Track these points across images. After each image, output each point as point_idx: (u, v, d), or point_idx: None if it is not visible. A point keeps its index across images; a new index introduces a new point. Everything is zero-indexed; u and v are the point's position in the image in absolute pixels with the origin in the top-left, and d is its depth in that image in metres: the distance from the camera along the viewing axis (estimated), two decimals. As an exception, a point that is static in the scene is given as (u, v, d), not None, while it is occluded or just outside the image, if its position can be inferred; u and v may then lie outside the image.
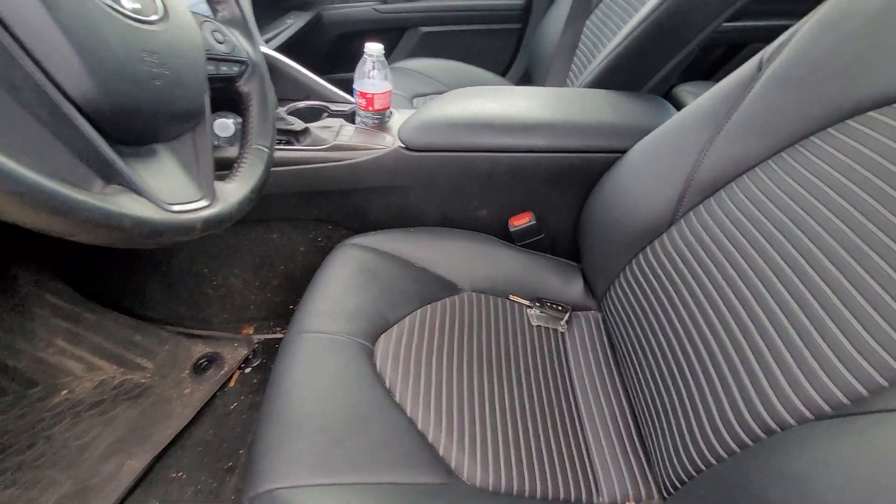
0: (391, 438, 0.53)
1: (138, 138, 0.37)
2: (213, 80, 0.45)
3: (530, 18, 1.45)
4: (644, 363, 0.58)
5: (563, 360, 0.70)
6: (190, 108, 0.40)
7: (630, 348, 0.63)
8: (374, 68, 0.80)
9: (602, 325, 0.75)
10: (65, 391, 0.85)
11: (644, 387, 0.58)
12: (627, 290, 0.66)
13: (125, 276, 0.91)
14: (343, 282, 0.69)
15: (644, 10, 0.83)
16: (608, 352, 0.71)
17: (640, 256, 0.65)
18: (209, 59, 0.44)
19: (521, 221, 0.83)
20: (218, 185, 0.43)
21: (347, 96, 0.92)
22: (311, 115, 0.86)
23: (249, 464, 0.50)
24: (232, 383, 0.89)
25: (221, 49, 0.47)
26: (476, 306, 0.73)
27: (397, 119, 0.84)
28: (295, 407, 0.53)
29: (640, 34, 0.84)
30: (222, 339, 0.95)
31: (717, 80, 0.64)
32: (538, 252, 0.84)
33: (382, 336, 0.64)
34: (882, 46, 0.44)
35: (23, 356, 0.86)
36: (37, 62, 0.29)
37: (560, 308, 0.76)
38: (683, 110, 0.68)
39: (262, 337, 0.96)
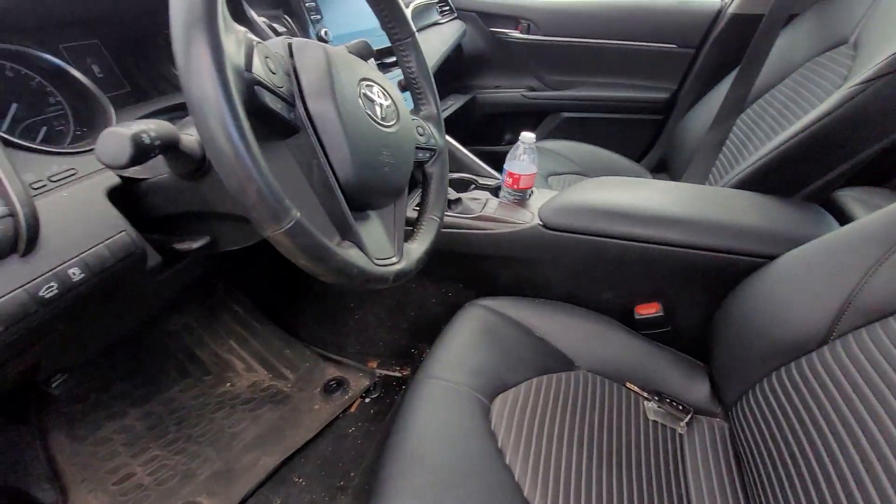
0: (498, 495, 0.56)
1: (363, 207, 0.49)
2: (414, 163, 0.58)
3: (674, 111, 1.49)
4: (777, 486, 0.54)
5: (680, 464, 0.67)
6: (399, 186, 0.53)
7: (762, 467, 0.58)
8: (524, 153, 0.90)
9: (728, 436, 0.71)
10: (228, 384, 1.04)
11: None
12: (764, 404, 0.62)
13: (291, 299, 1.10)
14: (468, 338, 0.76)
15: (811, 116, 0.82)
16: (733, 466, 0.66)
17: (784, 371, 0.62)
18: (416, 148, 0.57)
19: (647, 311, 0.83)
20: (405, 246, 0.54)
21: (493, 172, 1.04)
22: (462, 185, 0.98)
23: (372, 486, 0.57)
24: (353, 409, 1.00)
25: (421, 140, 0.60)
26: (591, 387, 0.74)
27: (537, 198, 0.92)
28: (417, 445, 0.60)
29: (803, 140, 0.83)
30: (350, 366, 1.08)
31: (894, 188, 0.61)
32: (662, 344, 0.83)
33: (500, 396, 0.69)
34: None
35: (206, 349, 1.07)
36: (326, 155, 0.42)
37: (681, 408, 0.74)
38: (850, 225, 0.65)
39: (384, 372, 1.07)
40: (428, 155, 0.63)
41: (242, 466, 0.88)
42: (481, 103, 1.65)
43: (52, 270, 0.41)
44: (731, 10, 1.29)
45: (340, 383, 1.04)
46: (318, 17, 0.82)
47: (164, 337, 1.04)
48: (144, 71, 0.63)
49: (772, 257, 0.72)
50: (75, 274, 0.42)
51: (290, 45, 0.43)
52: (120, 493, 0.82)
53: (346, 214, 0.44)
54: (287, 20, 0.77)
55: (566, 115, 1.59)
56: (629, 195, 0.85)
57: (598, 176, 1.34)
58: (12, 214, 0.38)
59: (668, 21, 1.40)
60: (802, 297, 0.63)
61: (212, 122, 0.31)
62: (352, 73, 0.46)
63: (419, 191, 0.76)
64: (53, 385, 0.77)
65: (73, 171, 0.46)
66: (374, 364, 1.08)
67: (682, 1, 1.40)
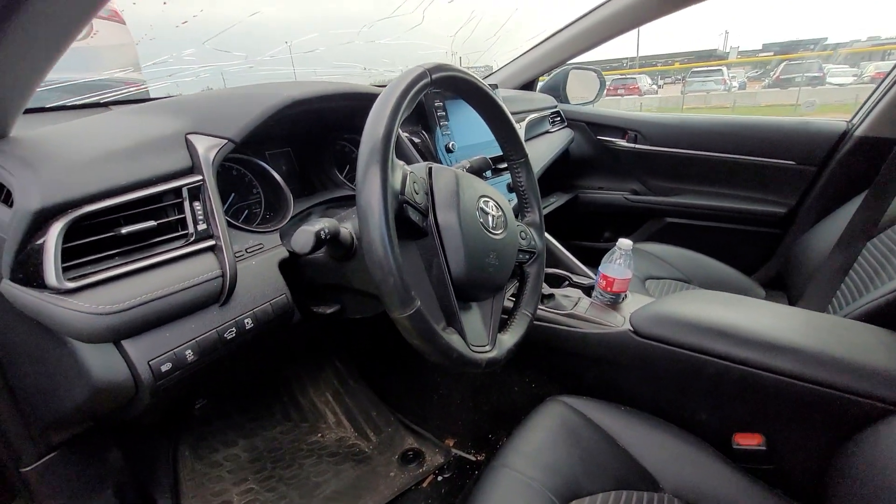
0: None
1: (467, 299, 0.58)
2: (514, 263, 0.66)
3: (793, 225, 1.41)
4: None
5: None
6: (500, 283, 0.61)
7: None
8: (620, 258, 0.94)
9: None
10: (319, 434, 1.14)
11: None
12: None
13: (385, 365, 1.20)
14: (548, 433, 0.76)
15: None
16: None
17: None
18: (518, 250, 0.66)
19: (748, 441, 0.77)
20: (498, 336, 0.61)
21: (588, 271, 1.08)
22: (556, 280, 1.04)
23: None
24: (425, 484, 1.02)
25: (524, 244, 0.69)
26: (677, 514, 0.69)
27: (630, 302, 0.93)
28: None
29: None
30: (429, 440, 1.12)
31: None
32: (765, 484, 0.75)
33: (574, 501, 0.68)
34: None
35: (307, 397, 1.20)
36: (445, 255, 0.53)
37: (786, 563, 0.65)
38: None
39: (459, 453, 1.08)
40: (527, 256, 0.71)
41: (319, 517, 0.94)
42: (584, 202, 1.73)
43: (234, 319, 0.55)
44: (858, 132, 1.25)
45: (417, 455, 1.08)
46: (448, 132, 1.00)
47: (277, 381, 1.20)
48: (315, 172, 0.83)
49: (901, 405, 0.65)
50: (248, 323, 0.56)
51: (430, 169, 0.56)
52: (217, 517, 0.92)
53: (454, 305, 0.53)
54: (423, 134, 0.95)
55: (669, 220, 1.59)
56: (733, 313, 0.83)
57: (701, 284, 1.31)
58: (223, 276, 0.53)
59: (787, 139, 1.38)
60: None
61: (372, 228, 0.42)
62: (473, 191, 0.58)
63: (516, 282, 0.84)
64: (196, 407, 0.93)
65: (260, 245, 0.63)
66: (451, 442, 1.11)
67: (803, 121, 1.39)
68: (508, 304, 0.74)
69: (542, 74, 1.68)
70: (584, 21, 1.47)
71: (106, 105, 0.75)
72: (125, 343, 0.47)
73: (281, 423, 1.15)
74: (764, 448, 0.76)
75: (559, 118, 1.65)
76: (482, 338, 0.58)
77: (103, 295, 0.45)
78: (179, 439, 0.99)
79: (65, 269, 0.43)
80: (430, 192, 0.54)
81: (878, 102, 1.22)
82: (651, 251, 1.45)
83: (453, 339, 0.51)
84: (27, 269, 0.44)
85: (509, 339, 0.63)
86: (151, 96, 0.99)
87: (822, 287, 1.03)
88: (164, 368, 0.48)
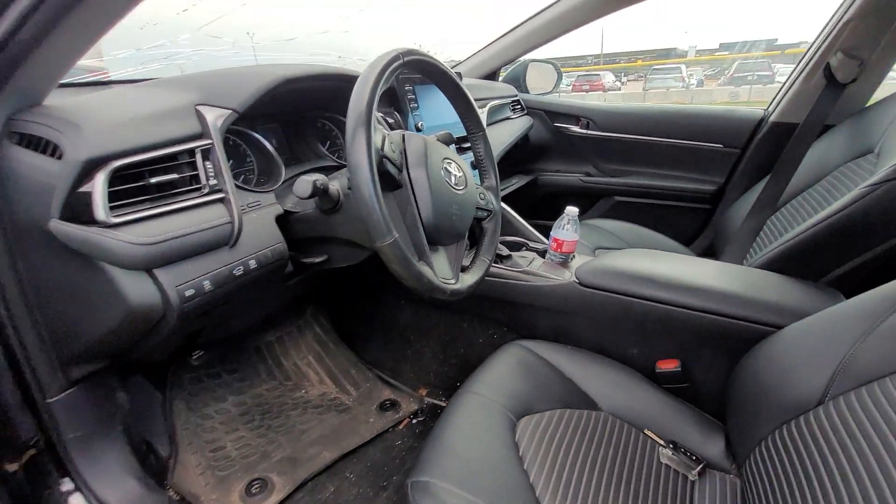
0: (513, 490, 0.68)
1: (435, 243, 0.71)
2: (474, 218, 0.80)
3: (721, 201, 1.61)
4: None
5: None
6: (462, 231, 0.75)
7: None
8: (568, 223, 1.09)
9: (739, 493, 0.77)
10: (303, 391, 1.25)
11: None
12: (769, 460, 0.68)
13: (362, 328, 1.32)
14: (506, 368, 0.91)
15: (828, 210, 0.94)
16: None
17: (785, 428, 0.70)
18: (476, 208, 0.79)
19: (667, 366, 0.94)
20: (461, 275, 0.74)
21: (543, 238, 1.23)
22: (515, 246, 1.18)
23: (412, 465, 0.72)
24: (401, 426, 1.15)
25: (482, 203, 0.82)
26: (611, 427, 0.84)
27: (577, 262, 1.09)
28: (452, 439, 0.75)
29: (819, 230, 0.94)
30: (404, 391, 1.25)
31: None
32: (682, 400, 0.92)
33: (526, 417, 0.82)
34: None
35: (291, 359, 1.31)
36: (416, 204, 0.65)
37: (695, 458, 0.81)
38: (847, 301, 0.75)
39: (431, 401, 1.22)
40: (485, 214, 0.84)
41: (307, 456, 1.05)
42: (543, 183, 1.89)
43: (241, 259, 0.66)
44: (772, 118, 1.45)
45: (394, 404, 1.21)
46: (418, 113, 1.12)
47: (262, 345, 1.29)
48: (298, 144, 0.94)
49: (780, 327, 0.82)
50: (252, 264, 0.67)
51: (403, 136, 0.69)
52: (213, 460, 1.02)
53: (424, 244, 0.66)
54: (396, 115, 1.07)
55: (619, 198, 1.77)
56: (657, 264, 0.99)
57: (643, 253, 1.48)
58: (232, 222, 0.64)
59: (716, 125, 1.58)
60: (803, 362, 0.73)
61: (360, 175, 0.55)
62: (439, 154, 0.71)
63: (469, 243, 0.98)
64: (194, 358, 1.03)
65: (258, 202, 0.74)
66: (423, 392, 1.24)
67: (729, 109, 1.59)
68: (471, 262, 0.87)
69: (504, 66, 1.81)
70: (542, 16, 1.62)
71: (108, 83, 0.84)
72: (157, 271, 0.57)
73: (267, 381, 1.25)
74: (680, 370, 0.92)
75: (519, 106, 1.79)
76: (448, 273, 0.71)
77: (140, 230, 0.55)
78: (174, 395, 1.08)
79: (109, 208, 0.53)
80: (404, 153, 0.66)
81: (787, 92, 1.42)
82: (602, 226, 1.62)
83: (424, 269, 0.64)
84: (76, 210, 0.54)
85: (470, 277, 0.76)
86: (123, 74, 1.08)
87: (737, 248, 1.22)
88: (187, 294, 0.59)
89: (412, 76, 1.16)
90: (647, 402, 0.90)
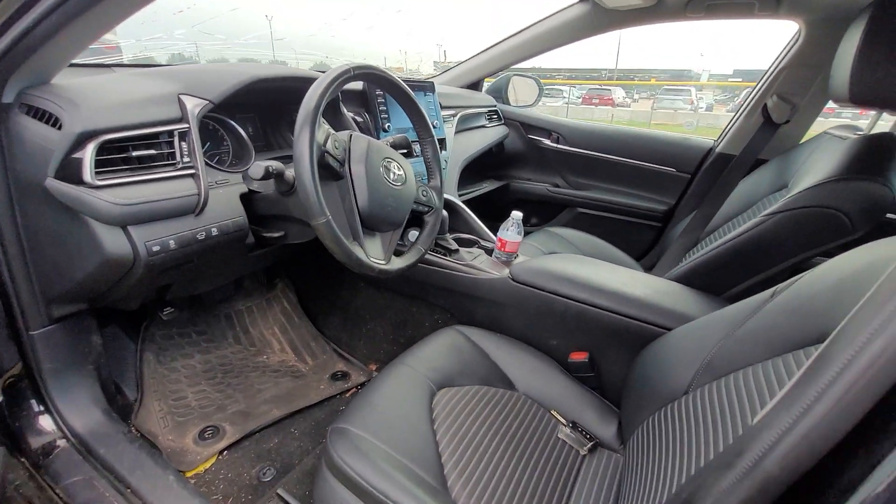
0: (421, 446, 0.80)
1: (372, 228, 0.83)
2: (413, 211, 0.92)
3: (671, 220, 1.75)
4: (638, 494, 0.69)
5: (573, 476, 0.85)
6: (397, 222, 0.87)
7: (632, 495, 0.73)
8: (513, 226, 1.22)
9: (619, 469, 0.90)
10: (265, 356, 1.38)
11: None
12: (643, 439, 0.80)
13: (326, 305, 1.45)
14: (437, 347, 1.03)
15: (736, 231, 1.07)
16: (612, 494, 0.83)
17: (658, 413, 0.83)
18: (415, 202, 0.92)
19: (578, 357, 1.07)
20: (393, 258, 0.87)
21: (493, 237, 1.36)
22: (468, 242, 1.31)
23: (341, 413, 0.84)
24: (348, 395, 1.28)
25: (423, 199, 0.95)
26: (522, 405, 0.97)
27: (519, 261, 1.22)
28: (377, 395, 0.87)
29: (725, 249, 1.07)
30: (355, 365, 1.37)
31: None
32: (588, 388, 1.05)
33: (445, 388, 0.95)
34: (835, 301, 0.59)
35: (257, 328, 1.43)
36: (354, 193, 0.78)
37: (588, 437, 0.94)
38: (720, 310, 0.88)
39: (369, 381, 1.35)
40: (426, 209, 0.97)
41: (258, 412, 1.18)
42: (513, 190, 2.02)
43: (204, 226, 0.79)
44: (718, 149, 1.59)
45: (345, 375, 1.33)
46: (386, 115, 1.25)
47: (233, 312, 1.42)
48: (273, 134, 1.06)
49: (668, 329, 0.95)
50: (214, 231, 0.80)
51: (350, 135, 0.81)
52: (175, 407, 1.15)
53: (358, 227, 0.79)
54: (365, 115, 1.20)
55: (580, 210, 1.90)
56: (580, 268, 1.12)
57: (593, 261, 1.61)
58: (199, 194, 0.77)
59: (671, 150, 1.71)
60: (679, 359, 0.85)
61: (301, 164, 0.67)
62: (380, 154, 0.83)
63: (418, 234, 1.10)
64: (165, 313, 1.15)
65: (227, 180, 0.86)
66: (373, 367, 1.37)
67: (683, 137, 1.72)
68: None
69: (486, 77, 1.94)
70: (525, 33, 1.75)
71: (109, 66, 0.96)
72: (130, 228, 0.70)
73: (233, 345, 1.37)
74: (588, 362, 1.05)
75: (497, 116, 1.92)
76: (380, 255, 0.84)
77: (119, 193, 0.68)
78: (145, 346, 1.21)
79: (95, 173, 0.66)
80: (348, 150, 0.79)
81: (732, 126, 1.55)
82: (561, 234, 1.74)
83: (356, 249, 0.76)
84: (68, 172, 0.66)
85: (402, 261, 0.89)
86: (124, 58, 1.21)
87: (667, 262, 1.35)
88: (154, 249, 0.72)
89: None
90: (558, 386, 1.02)
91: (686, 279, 1.14)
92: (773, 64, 1.41)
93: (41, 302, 0.83)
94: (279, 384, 1.28)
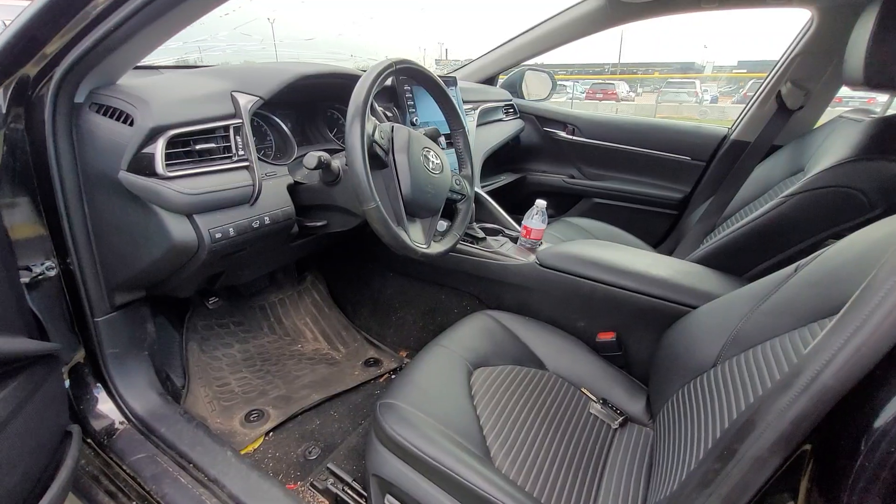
0: (462, 417, 0.85)
1: (413, 215, 0.88)
2: (448, 199, 0.97)
3: (688, 207, 1.78)
4: (672, 480, 0.71)
5: (606, 450, 0.90)
6: (435, 208, 0.92)
7: (664, 464, 0.76)
8: (537, 214, 1.26)
9: (650, 442, 0.94)
10: (299, 345, 1.43)
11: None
12: (672, 412, 0.85)
13: (355, 295, 1.50)
14: (470, 330, 1.08)
15: (755, 213, 1.11)
16: (644, 465, 0.87)
17: (687, 387, 0.87)
18: (450, 191, 0.97)
19: (605, 337, 1.11)
20: (432, 243, 0.92)
21: (517, 226, 1.41)
22: (493, 231, 1.36)
23: (386, 390, 0.89)
24: (381, 380, 1.33)
25: (455, 187, 1.00)
26: (553, 384, 1.01)
27: (543, 248, 1.26)
28: (417, 375, 0.92)
29: (745, 231, 1.11)
30: (386, 352, 1.43)
31: None
32: (616, 366, 1.09)
33: (481, 367, 1.00)
34: (859, 271, 0.61)
35: (290, 319, 1.49)
36: (398, 180, 0.83)
37: (618, 412, 0.99)
38: (743, 287, 0.92)
39: (409, 361, 1.40)
40: (458, 196, 1.02)
41: (299, 396, 1.23)
42: (530, 182, 2.07)
43: (258, 215, 0.84)
44: (732, 136, 1.62)
45: (377, 361, 1.39)
46: (413, 110, 1.30)
47: (267, 304, 1.48)
48: (310, 128, 1.12)
49: (694, 307, 0.99)
50: (266, 220, 0.85)
51: (392, 127, 0.86)
52: (220, 393, 1.21)
53: (402, 213, 0.84)
54: (395, 110, 1.25)
55: (597, 200, 1.94)
56: (605, 252, 1.17)
57: (611, 249, 1.65)
58: (253, 185, 0.82)
59: (685, 139, 1.75)
60: (705, 335, 0.90)
61: (354, 154, 0.72)
62: (420, 144, 0.88)
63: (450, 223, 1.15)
64: (210, 302, 1.21)
65: (274, 173, 0.92)
66: (404, 353, 1.42)
67: (697, 125, 1.76)
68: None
69: (502, 72, 1.99)
70: (539, 28, 1.79)
71: (157, 68, 1.02)
72: (195, 216, 0.75)
73: (268, 335, 1.43)
74: (615, 341, 1.10)
75: (512, 110, 1.97)
76: (421, 239, 0.89)
77: (185, 184, 0.73)
78: (189, 336, 1.27)
79: (166, 166, 0.72)
80: (392, 140, 0.84)
81: (746, 113, 1.59)
82: (579, 224, 1.78)
83: (401, 232, 0.81)
84: (140, 165, 0.72)
85: (440, 246, 0.94)
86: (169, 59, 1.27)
87: (687, 246, 1.39)
88: (217, 236, 0.77)
89: (412, 78, 1.33)
90: (587, 365, 1.07)
91: (707, 261, 1.18)
92: (786, 51, 1.44)
93: (105, 290, 0.89)
94: (315, 371, 1.33)
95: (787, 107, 1.40)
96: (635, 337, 1.10)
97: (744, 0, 1.29)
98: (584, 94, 19.20)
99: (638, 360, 1.10)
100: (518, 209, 2.07)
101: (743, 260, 1.15)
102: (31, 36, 0.68)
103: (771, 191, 1.33)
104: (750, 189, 1.41)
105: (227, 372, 1.27)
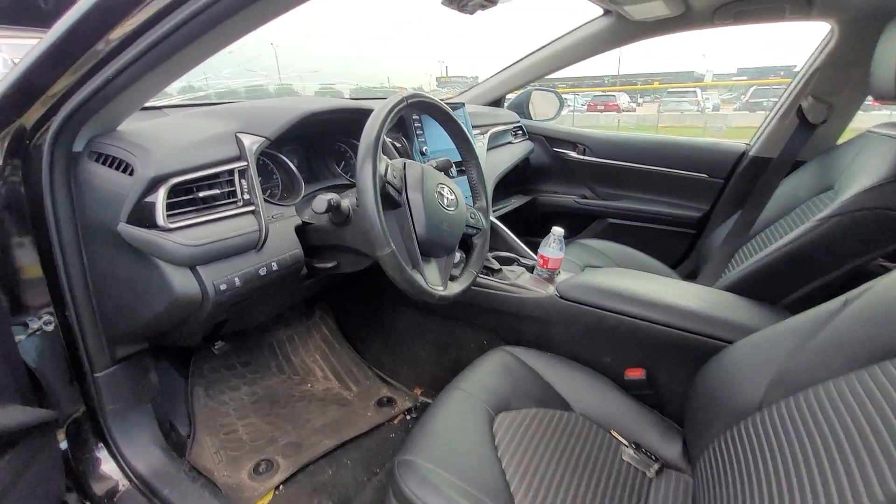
0: (487, 473, 0.78)
1: (428, 254, 0.83)
2: (463, 234, 0.92)
3: (707, 226, 1.72)
4: None
5: (642, 502, 0.82)
6: (451, 246, 0.87)
7: None
8: (554, 242, 1.21)
9: (691, 491, 0.86)
10: (309, 385, 1.37)
11: None
12: (716, 459, 0.77)
13: (366, 330, 1.44)
14: (490, 369, 1.02)
15: (782, 241, 1.05)
16: None
17: (732, 431, 0.79)
18: (466, 225, 0.92)
19: (634, 374, 1.04)
20: (449, 283, 0.86)
21: (533, 254, 1.35)
22: (508, 260, 1.30)
23: (404, 444, 0.83)
24: (395, 421, 1.27)
25: (472, 222, 0.95)
26: (581, 427, 0.94)
27: (561, 277, 1.20)
28: (437, 425, 0.86)
29: (778, 256, 1.05)
30: (400, 390, 1.36)
31: None
32: (647, 405, 1.02)
33: (504, 412, 0.93)
34: None
35: (299, 356, 1.43)
36: (412, 220, 0.78)
37: (653, 458, 0.91)
38: (786, 320, 0.85)
39: (424, 399, 1.33)
40: (474, 231, 0.97)
41: (309, 443, 1.17)
42: (541, 203, 2.02)
43: (266, 262, 0.79)
44: (752, 152, 1.57)
45: (390, 401, 1.32)
46: (423, 139, 1.26)
47: (275, 342, 1.43)
48: (318, 164, 1.08)
49: (731, 342, 0.93)
50: (274, 266, 0.81)
51: (405, 163, 0.82)
52: (227, 441, 1.15)
53: (417, 255, 0.79)
54: (403, 140, 1.21)
55: (611, 220, 1.89)
56: (629, 282, 1.10)
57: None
58: (260, 230, 0.78)
59: (702, 156, 1.70)
60: (746, 374, 0.83)
61: (366, 196, 0.68)
62: (434, 179, 0.84)
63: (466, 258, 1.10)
64: (216, 347, 1.16)
65: (281, 214, 0.87)
66: (418, 391, 1.36)
67: (714, 142, 1.71)
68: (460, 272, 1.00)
69: (508, 93, 1.96)
70: (547, 49, 1.76)
71: (160, 108, 0.99)
72: (199, 268, 0.71)
73: (277, 375, 1.37)
74: (645, 378, 1.03)
75: (521, 131, 1.93)
76: (437, 281, 0.83)
77: (188, 234, 0.69)
78: (195, 381, 1.21)
79: (167, 217, 0.67)
80: (404, 178, 0.80)
81: (765, 128, 1.54)
82: (594, 245, 1.73)
83: (416, 276, 0.76)
84: (140, 216, 0.67)
85: (458, 286, 0.89)
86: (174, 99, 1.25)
87: (712, 271, 1.33)
88: (222, 287, 0.72)
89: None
90: (615, 405, 1.00)
91: (738, 288, 1.11)
92: (805, 65, 1.39)
93: (105, 343, 0.84)
94: (326, 413, 1.27)
95: (810, 121, 1.35)
96: (667, 374, 1.03)
97: (760, 15, 1.25)
98: (586, 107, 19.30)
99: (671, 399, 1.03)
100: (530, 231, 2.02)
101: (776, 287, 1.08)
102: (28, 86, 0.65)
103: (798, 209, 1.27)
104: (775, 207, 1.35)
105: (234, 417, 1.21)
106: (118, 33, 0.57)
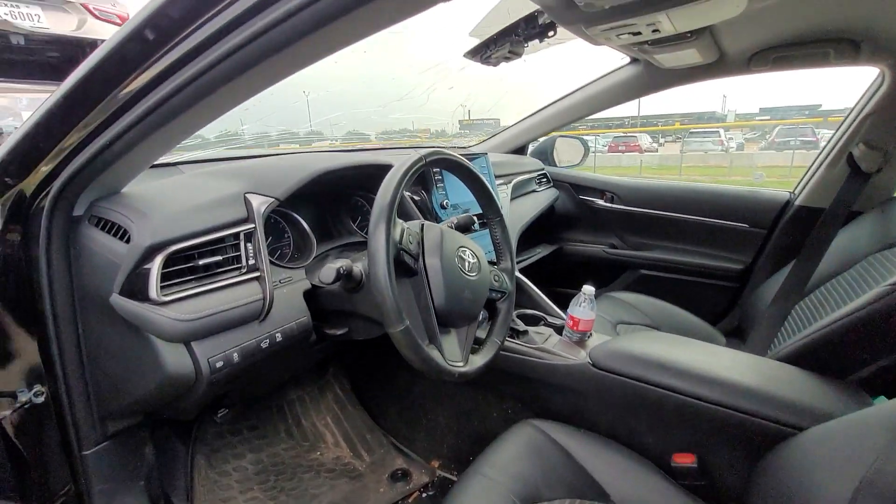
0: None
1: (447, 325, 0.75)
2: (487, 300, 0.84)
3: (751, 279, 1.59)
4: None
5: None
6: (474, 315, 0.79)
7: None
8: (585, 302, 1.11)
9: None
10: (318, 452, 1.27)
11: None
12: None
13: (381, 392, 1.35)
14: (516, 449, 0.90)
15: (852, 305, 0.92)
16: None
17: None
18: (489, 290, 0.84)
19: (683, 460, 0.90)
20: (470, 356, 0.77)
21: (561, 313, 1.25)
22: (533, 319, 1.20)
23: None
24: (411, 499, 1.14)
25: (496, 285, 0.87)
26: (622, 523, 0.82)
27: (594, 340, 1.09)
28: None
29: (844, 325, 0.92)
30: (416, 461, 1.24)
31: None
32: (698, 498, 0.88)
33: (533, 504, 0.81)
34: None
35: (309, 419, 1.34)
36: (430, 290, 0.71)
37: (712, 566, 0.77)
38: (872, 407, 0.72)
39: (442, 474, 1.21)
40: (499, 295, 0.88)
41: (315, 524, 1.05)
42: (567, 253, 1.92)
43: (269, 333, 0.72)
44: (798, 201, 1.46)
45: (405, 474, 1.20)
46: (444, 192, 1.21)
47: (284, 403, 1.34)
48: (332, 221, 1.03)
49: (801, 428, 0.79)
50: (278, 337, 0.73)
51: (422, 226, 0.75)
52: (226, 519, 1.04)
53: (435, 328, 0.70)
54: (423, 193, 1.16)
55: (643, 272, 1.77)
56: (674, 350, 0.99)
57: (668, 331, 1.46)
58: (264, 299, 0.71)
59: (740, 204, 1.59)
60: (825, 472, 0.69)
61: (378, 265, 0.61)
62: (454, 242, 0.77)
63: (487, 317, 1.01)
64: (219, 415, 1.08)
65: (290, 278, 0.81)
66: (436, 464, 1.23)
67: (753, 190, 1.60)
68: (483, 336, 0.91)
69: (531, 141, 1.92)
70: (573, 96, 1.73)
71: (175, 165, 0.97)
72: (193, 344, 0.64)
73: (285, 440, 1.28)
74: (696, 466, 0.89)
75: (545, 179, 1.87)
76: (457, 356, 0.74)
77: (183, 307, 0.63)
78: (196, 451, 1.13)
79: (160, 288, 0.62)
80: (421, 242, 0.73)
81: (812, 176, 1.43)
82: (625, 299, 1.61)
83: (433, 353, 0.68)
84: (134, 287, 0.62)
85: (480, 359, 0.79)
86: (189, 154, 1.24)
87: (762, 335, 1.19)
88: (218, 365, 0.65)
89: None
90: (662, 498, 0.86)
91: (799, 359, 0.98)
92: (853, 111, 1.30)
93: (97, 418, 0.77)
94: (335, 488, 1.16)
95: (863, 170, 1.24)
96: (722, 462, 0.89)
97: (802, 62, 1.18)
98: (607, 148, 19.38)
99: (728, 493, 0.89)
100: (556, 283, 1.92)
101: (846, 359, 0.94)
102: (27, 150, 0.62)
103: (859, 265, 1.14)
104: (830, 262, 1.22)
105: (236, 491, 1.11)
106: (122, 93, 0.54)
